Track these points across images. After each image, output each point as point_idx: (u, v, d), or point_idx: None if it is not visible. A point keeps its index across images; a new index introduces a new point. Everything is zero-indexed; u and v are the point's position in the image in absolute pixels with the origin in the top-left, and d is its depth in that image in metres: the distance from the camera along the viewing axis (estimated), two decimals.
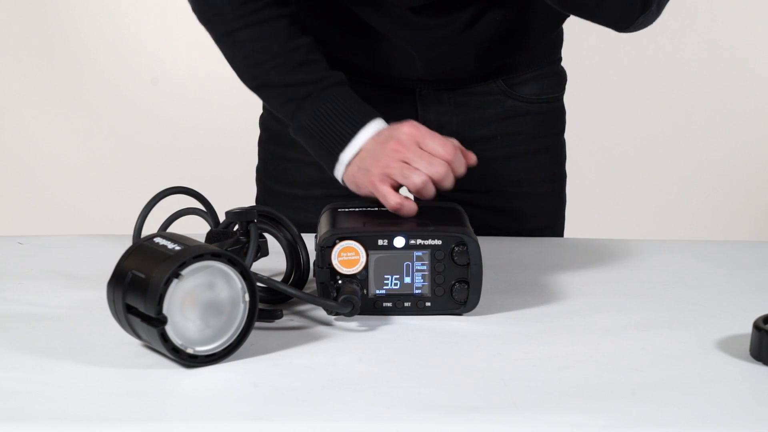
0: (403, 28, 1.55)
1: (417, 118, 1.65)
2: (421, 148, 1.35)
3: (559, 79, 1.71)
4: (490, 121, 1.67)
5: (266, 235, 1.30)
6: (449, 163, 1.34)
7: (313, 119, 1.39)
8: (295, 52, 1.43)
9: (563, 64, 1.72)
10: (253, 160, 1.77)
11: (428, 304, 1.27)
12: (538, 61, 1.68)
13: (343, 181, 1.39)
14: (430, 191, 1.34)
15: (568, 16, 1.67)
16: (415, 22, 1.54)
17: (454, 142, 1.37)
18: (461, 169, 1.36)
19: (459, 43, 1.56)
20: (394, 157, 1.34)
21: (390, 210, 1.31)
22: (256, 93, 1.49)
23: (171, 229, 1.32)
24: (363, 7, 1.55)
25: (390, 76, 1.63)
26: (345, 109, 1.39)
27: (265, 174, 1.76)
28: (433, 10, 1.53)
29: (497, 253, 1.46)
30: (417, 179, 1.32)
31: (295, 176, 1.68)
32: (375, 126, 1.38)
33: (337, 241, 1.25)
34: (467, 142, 1.53)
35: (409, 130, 1.36)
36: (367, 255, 1.25)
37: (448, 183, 1.34)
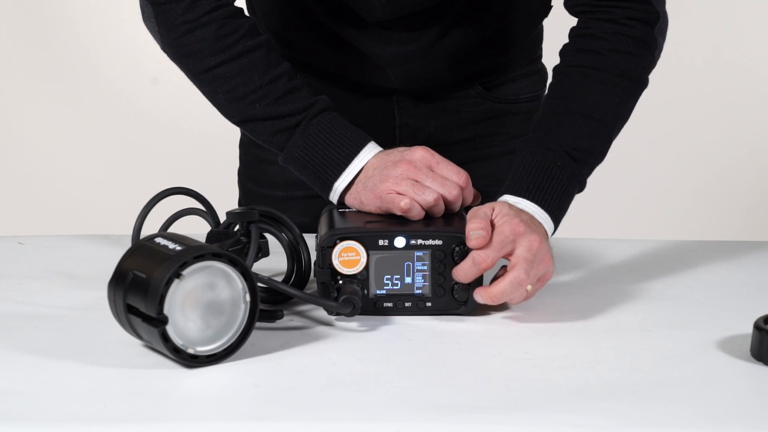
0: (374, 42, 1.54)
1: (394, 123, 1.64)
2: (434, 173, 1.33)
3: (539, 77, 1.70)
4: (468, 124, 1.67)
5: (267, 235, 1.30)
6: (461, 189, 1.33)
7: (305, 149, 1.37)
8: (277, 81, 1.39)
9: (545, 60, 1.71)
10: None
11: (429, 304, 1.27)
12: (516, 63, 1.67)
13: (341, 202, 1.37)
14: (441, 209, 1.32)
15: (546, 15, 1.67)
16: (385, 36, 1.53)
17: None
18: (470, 199, 1.35)
19: (431, 56, 1.55)
20: (404, 176, 1.31)
21: (399, 212, 1.31)
22: (241, 127, 1.44)
23: (171, 230, 1.32)
24: (335, 21, 1.54)
25: (366, 84, 1.62)
26: (337, 137, 1.37)
27: (245, 176, 1.75)
28: (402, 25, 1.52)
29: None
30: (429, 197, 1.30)
31: (276, 178, 1.67)
32: (369, 150, 1.37)
33: (338, 241, 1.25)
34: (445, 145, 1.53)
35: (423, 153, 1.34)
36: (368, 255, 1.25)
37: (458, 206, 1.33)
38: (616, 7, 1.40)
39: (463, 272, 1.24)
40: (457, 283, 1.26)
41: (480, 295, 1.25)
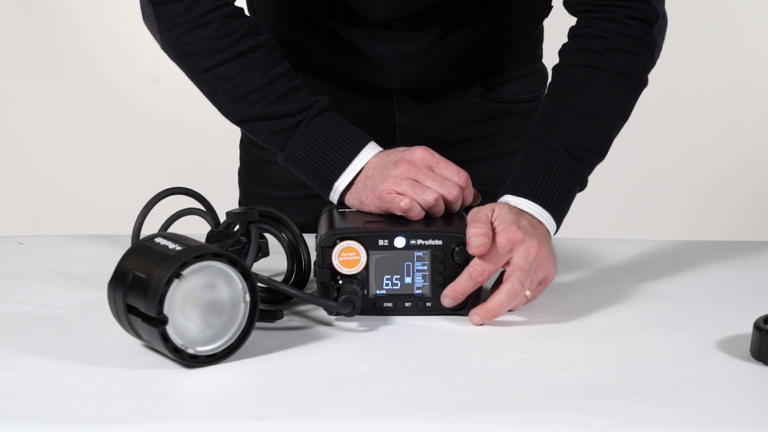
0: (375, 42, 1.54)
1: (395, 123, 1.64)
2: (434, 173, 1.33)
3: (539, 77, 1.70)
4: (469, 124, 1.66)
5: (267, 235, 1.30)
6: (461, 189, 1.33)
7: (305, 150, 1.37)
8: (277, 81, 1.38)
9: (545, 60, 1.71)
10: None
11: (429, 304, 1.27)
12: (517, 63, 1.67)
13: (341, 202, 1.37)
14: (441, 209, 1.32)
15: (547, 15, 1.67)
16: (386, 36, 1.53)
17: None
18: (470, 199, 1.35)
19: (431, 56, 1.55)
20: (404, 176, 1.31)
21: (399, 212, 1.31)
22: (241, 126, 1.44)
23: (171, 230, 1.32)
24: (336, 21, 1.54)
25: (366, 84, 1.62)
26: (337, 137, 1.37)
27: (246, 176, 1.75)
28: (403, 25, 1.52)
29: None
30: (429, 197, 1.30)
31: (277, 178, 1.67)
32: (369, 150, 1.37)
33: (338, 241, 1.25)
34: (446, 145, 1.53)
35: (423, 153, 1.34)
36: (368, 255, 1.25)
37: (458, 206, 1.33)
38: (615, 6, 1.40)
39: (459, 287, 1.24)
40: None
41: (477, 315, 1.24)
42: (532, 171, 1.33)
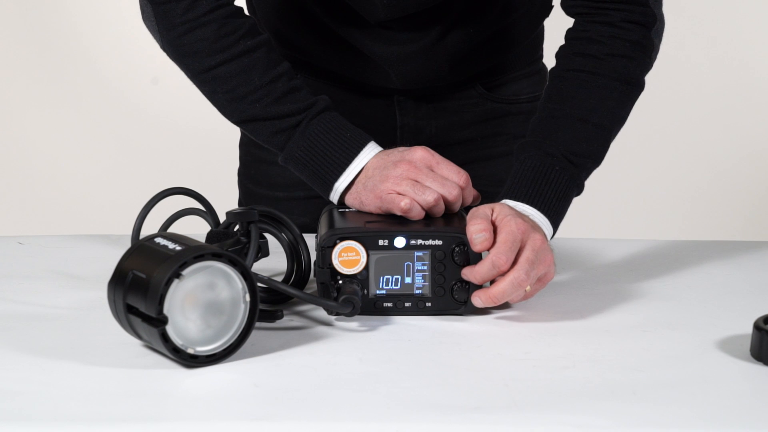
0: (375, 42, 1.54)
1: (395, 123, 1.64)
2: (434, 173, 1.33)
3: (539, 77, 1.70)
4: (469, 125, 1.66)
5: (267, 235, 1.30)
6: (461, 189, 1.33)
7: (305, 150, 1.37)
8: (277, 81, 1.38)
9: (546, 60, 1.71)
10: None
11: (429, 304, 1.27)
12: (518, 63, 1.67)
13: (341, 202, 1.37)
14: (441, 210, 1.32)
15: (548, 15, 1.67)
16: (386, 36, 1.53)
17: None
18: (470, 199, 1.35)
19: (432, 56, 1.55)
20: (405, 176, 1.31)
21: (399, 212, 1.31)
22: (241, 127, 1.44)
23: (171, 230, 1.32)
24: (336, 22, 1.54)
25: (367, 84, 1.62)
26: (337, 137, 1.37)
27: (246, 176, 1.75)
28: (403, 25, 1.52)
29: None
30: (429, 197, 1.30)
31: (276, 178, 1.67)
32: (369, 150, 1.37)
33: (338, 241, 1.25)
34: (446, 146, 1.53)
35: (423, 154, 1.34)
36: (368, 255, 1.25)
37: (458, 206, 1.34)
38: (613, 10, 1.40)
39: (480, 274, 1.24)
40: (456, 282, 1.26)
41: (479, 298, 1.25)
42: (530, 176, 1.33)
